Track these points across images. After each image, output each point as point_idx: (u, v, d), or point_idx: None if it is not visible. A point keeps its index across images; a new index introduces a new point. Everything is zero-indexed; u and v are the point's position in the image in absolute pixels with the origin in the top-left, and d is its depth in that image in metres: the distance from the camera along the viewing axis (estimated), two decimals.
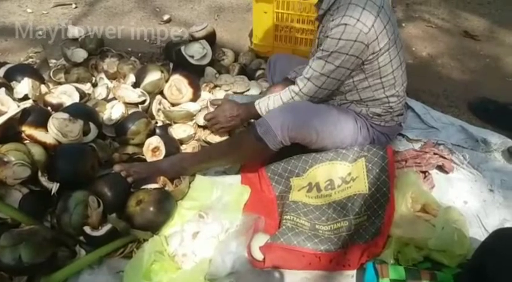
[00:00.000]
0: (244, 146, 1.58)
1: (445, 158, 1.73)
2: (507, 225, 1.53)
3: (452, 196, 1.64)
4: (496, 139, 1.85)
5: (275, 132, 1.48)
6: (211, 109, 1.85)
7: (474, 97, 2.12)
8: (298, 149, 1.61)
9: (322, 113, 1.56)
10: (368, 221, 1.48)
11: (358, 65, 1.48)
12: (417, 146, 1.84)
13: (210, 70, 2.15)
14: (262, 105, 1.64)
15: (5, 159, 1.39)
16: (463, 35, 2.60)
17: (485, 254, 1.20)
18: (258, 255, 1.42)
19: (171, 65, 2.18)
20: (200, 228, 1.46)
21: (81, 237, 1.42)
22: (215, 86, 2.09)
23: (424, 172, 1.68)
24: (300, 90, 1.56)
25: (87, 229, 1.39)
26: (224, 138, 1.81)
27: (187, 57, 2.10)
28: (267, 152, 1.56)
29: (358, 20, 1.36)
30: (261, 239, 1.44)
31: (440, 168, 1.72)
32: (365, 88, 1.55)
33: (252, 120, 1.73)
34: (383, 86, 1.54)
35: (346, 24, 1.36)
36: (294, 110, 1.54)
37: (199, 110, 1.91)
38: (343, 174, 1.57)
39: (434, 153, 1.74)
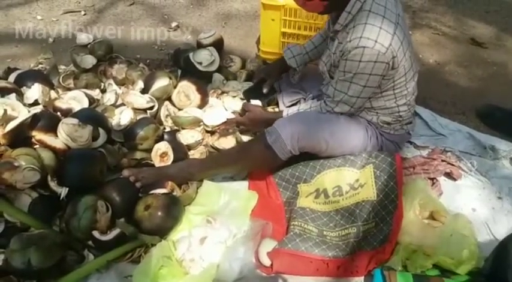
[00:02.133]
0: (253, 154, 1.58)
1: (453, 165, 1.73)
2: None
3: (461, 203, 1.63)
4: (504, 146, 1.84)
5: (285, 142, 1.49)
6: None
7: (481, 104, 2.11)
8: (307, 157, 1.62)
9: (331, 122, 1.56)
10: (376, 228, 1.47)
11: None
12: (425, 152, 1.83)
13: (217, 76, 2.16)
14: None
15: (16, 164, 1.40)
16: (470, 42, 2.60)
17: (498, 261, 1.20)
18: (266, 261, 1.42)
19: (179, 71, 2.19)
20: (208, 233, 1.46)
21: (90, 242, 1.43)
22: (222, 92, 2.10)
23: (432, 179, 1.68)
24: (333, 109, 1.57)
25: (95, 233, 1.40)
26: (232, 144, 1.82)
27: (196, 64, 2.12)
28: (275, 161, 1.57)
29: (375, 41, 1.34)
30: (269, 245, 1.45)
31: (448, 175, 1.72)
32: (378, 98, 1.55)
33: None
34: (395, 96, 1.54)
35: (364, 47, 1.35)
36: (303, 120, 1.55)
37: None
38: (351, 180, 1.57)
39: (442, 160, 1.73)
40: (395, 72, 1.45)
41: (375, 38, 1.35)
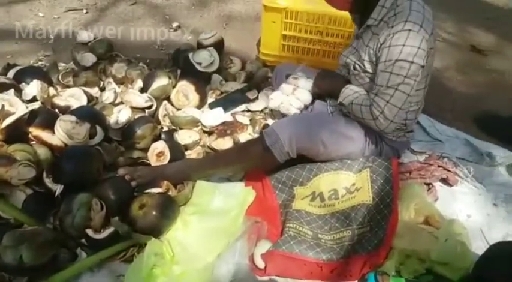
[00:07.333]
0: (251, 156, 1.57)
1: (449, 170, 1.72)
2: (510, 239, 1.52)
3: (456, 209, 1.63)
4: (501, 153, 1.84)
5: (283, 144, 1.48)
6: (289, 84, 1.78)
7: (480, 111, 2.12)
8: (304, 160, 1.61)
9: (330, 126, 1.55)
10: (371, 232, 1.47)
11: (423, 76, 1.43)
12: (421, 158, 1.83)
13: (216, 77, 2.17)
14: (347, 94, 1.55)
15: (11, 159, 1.40)
16: (470, 49, 2.61)
17: (484, 267, 1.20)
18: (260, 263, 1.41)
19: (179, 71, 2.19)
20: None
21: (83, 240, 1.42)
22: (221, 93, 2.10)
23: (428, 184, 1.68)
24: (382, 111, 1.43)
25: (89, 232, 1.40)
26: (230, 145, 1.82)
27: (195, 64, 2.12)
28: (273, 163, 1.56)
29: (421, 26, 1.33)
30: (264, 247, 1.44)
31: (445, 181, 1.71)
32: None
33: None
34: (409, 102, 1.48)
35: (410, 30, 1.33)
36: (302, 122, 1.55)
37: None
38: (347, 184, 1.57)
39: (439, 166, 1.73)
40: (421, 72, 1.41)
41: (420, 23, 1.33)
